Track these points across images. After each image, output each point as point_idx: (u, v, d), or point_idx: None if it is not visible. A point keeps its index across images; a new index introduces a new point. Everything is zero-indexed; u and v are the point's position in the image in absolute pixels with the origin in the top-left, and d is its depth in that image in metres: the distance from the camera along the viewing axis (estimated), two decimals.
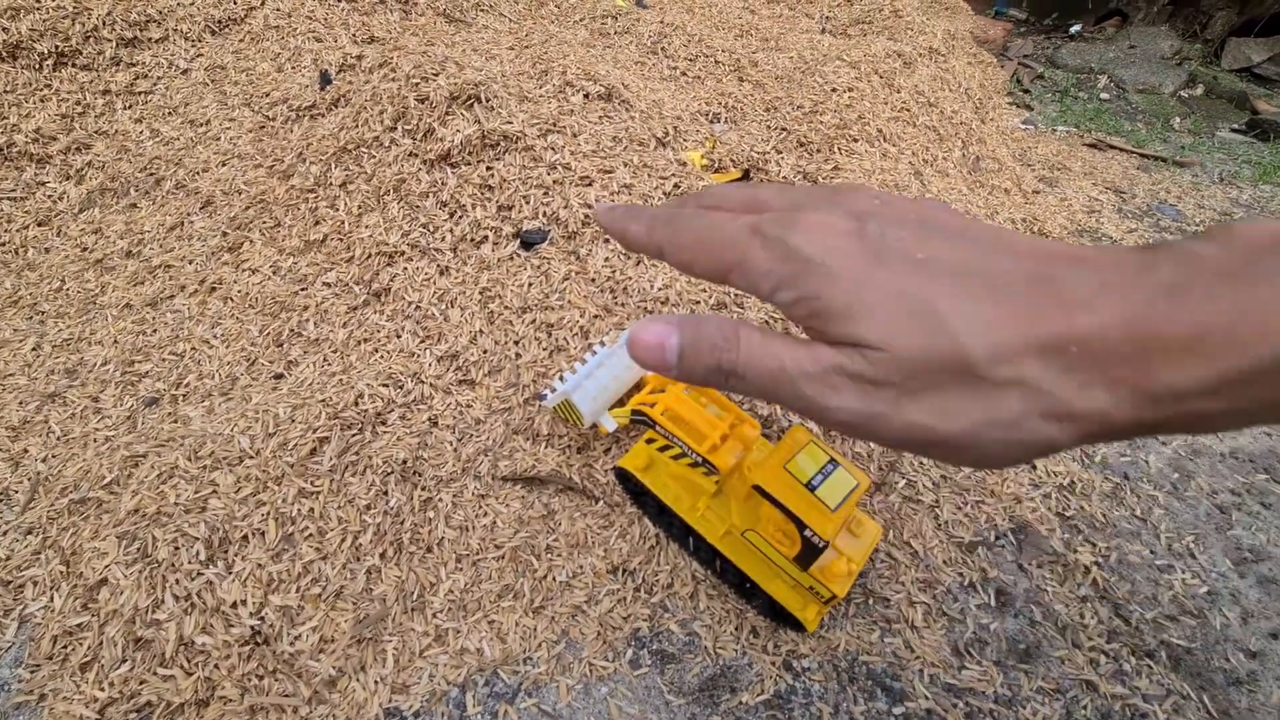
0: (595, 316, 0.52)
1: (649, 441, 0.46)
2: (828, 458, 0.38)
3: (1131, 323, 0.18)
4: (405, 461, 0.47)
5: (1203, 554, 0.51)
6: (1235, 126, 1.35)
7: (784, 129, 0.77)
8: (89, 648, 0.38)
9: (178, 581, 0.40)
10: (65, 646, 0.38)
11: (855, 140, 0.74)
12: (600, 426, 0.47)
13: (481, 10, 0.92)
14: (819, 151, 0.74)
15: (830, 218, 0.22)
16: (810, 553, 0.37)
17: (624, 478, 0.47)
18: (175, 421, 0.50)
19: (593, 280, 0.53)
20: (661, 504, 0.44)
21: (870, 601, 0.46)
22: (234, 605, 0.40)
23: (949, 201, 0.77)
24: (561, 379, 0.47)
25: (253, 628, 0.39)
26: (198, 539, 0.41)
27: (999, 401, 0.20)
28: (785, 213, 0.23)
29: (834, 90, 0.81)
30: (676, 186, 0.58)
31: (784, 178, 0.72)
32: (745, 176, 0.75)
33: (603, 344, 0.50)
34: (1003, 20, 1.75)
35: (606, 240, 0.55)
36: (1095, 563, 0.49)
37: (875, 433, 0.21)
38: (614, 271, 0.54)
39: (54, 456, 0.49)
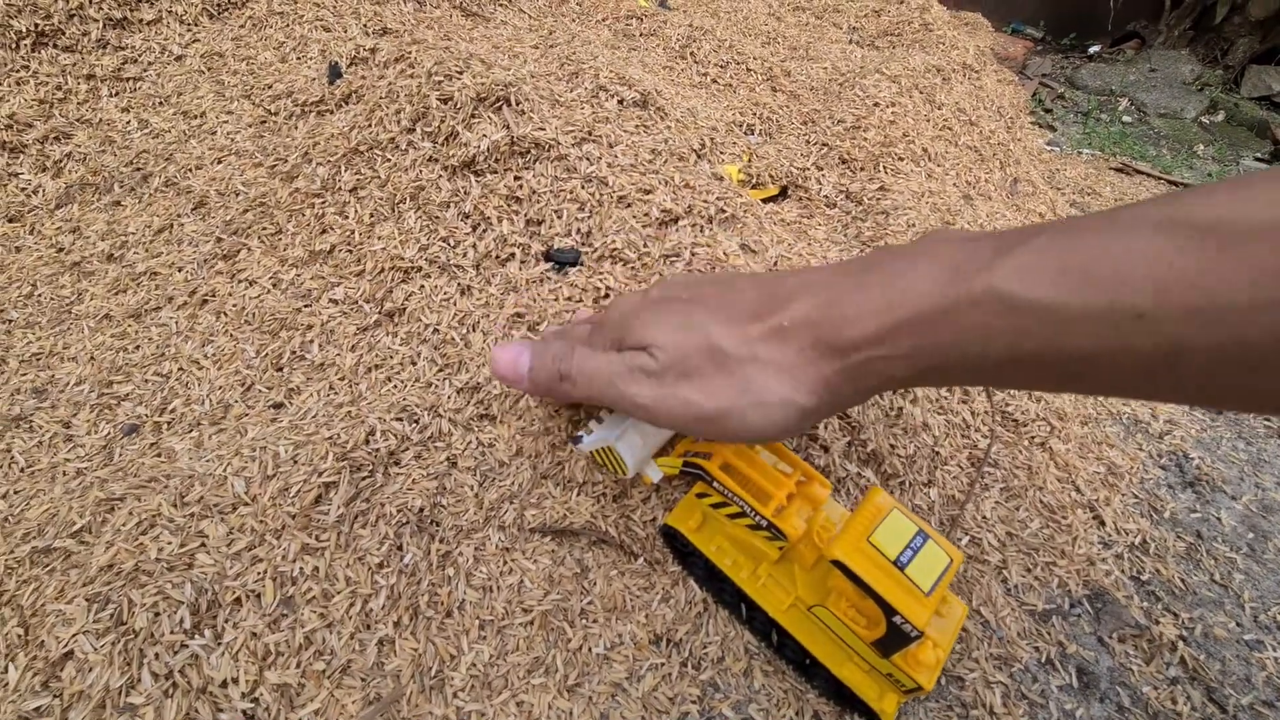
0: None
1: (700, 496, 0.41)
2: (915, 528, 0.33)
3: (822, 305, 0.28)
4: (422, 510, 0.42)
5: None
6: (1259, 155, 1.32)
7: (824, 144, 0.72)
8: None
9: (157, 656, 0.34)
10: None
11: (901, 159, 0.70)
12: (644, 476, 0.42)
13: (500, 5, 0.86)
14: (863, 170, 0.70)
15: (630, 297, 0.36)
16: (898, 640, 0.32)
17: (670, 537, 0.42)
18: (158, 455, 0.44)
19: None
20: (715, 569, 0.39)
21: (944, 681, 0.41)
22: (223, 684, 0.34)
23: (994, 227, 0.72)
24: (599, 419, 0.42)
25: (245, 712, 0.34)
26: (182, 603, 0.35)
27: (744, 375, 0.29)
28: (609, 305, 0.39)
29: (876, 105, 0.76)
30: (722, 211, 0.53)
31: (825, 196, 0.68)
32: (783, 193, 0.70)
33: None
34: (1021, 38, 1.73)
35: (643, 279, 0.50)
36: (1180, 636, 0.45)
37: (665, 411, 0.31)
38: None
39: (16, 493, 0.43)
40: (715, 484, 0.38)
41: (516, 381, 0.38)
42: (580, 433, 0.44)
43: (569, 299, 0.48)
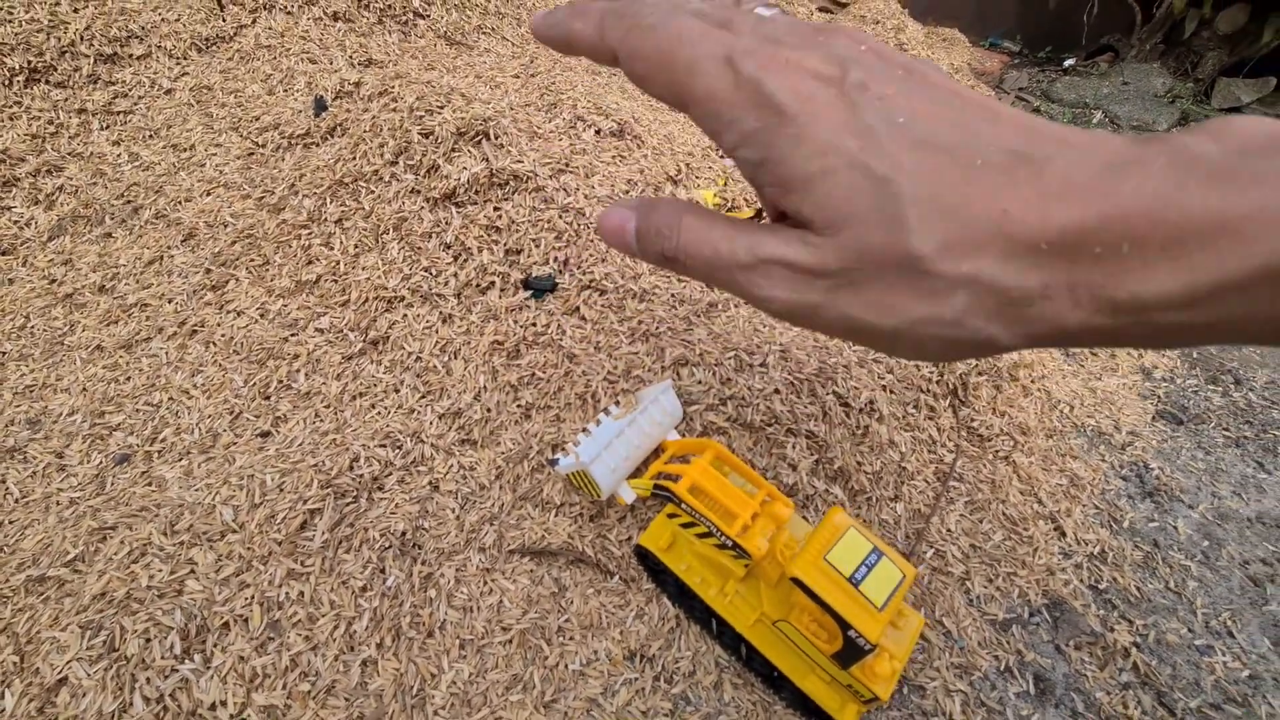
0: (606, 379, 0.49)
1: (670, 516, 0.43)
2: (870, 546, 0.35)
3: (1109, 221, 0.17)
4: (404, 533, 0.43)
5: (1241, 632, 0.49)
6: None
7: None
8: None
9: (148, 680, 0.35)
10: None
11: None
12: (618, 498, 0.44)
13: (484, 33, 0.89)
14: None
15: (812, 61, 0.20)
16: (853, 653, 0.34)
17: (643, 556, 0.44)
18: (149, 484, 0.46)
19: (606, 329, 0.50)
20: (685, 586, 0.41)
21: (905, 690, 0.43)
22: (212, 707, 0.35)
23: None
24: (576, 443, 0.44)
25: None
26: (172, 629, 0.37)
27: (944, 299, 0.19)
28: (764, 44, 0.21)
29: None
30: None
31: None
32: (758, 216, 0.72)
33: (617, 403, 0.47)
34: (998, 52, 1.77)
35: (618, 307, 0.52)
36: (1134, 643, 0.47)
37: (808, 322, 0.21)
38: (631, 329, 0.51)
39: (10, 522, 0.44)
40: (683, 505, 0.40)
41: (627, 252, 0.26)
42: (557, 455, 0.46)
43: (545, 326, 0.50)
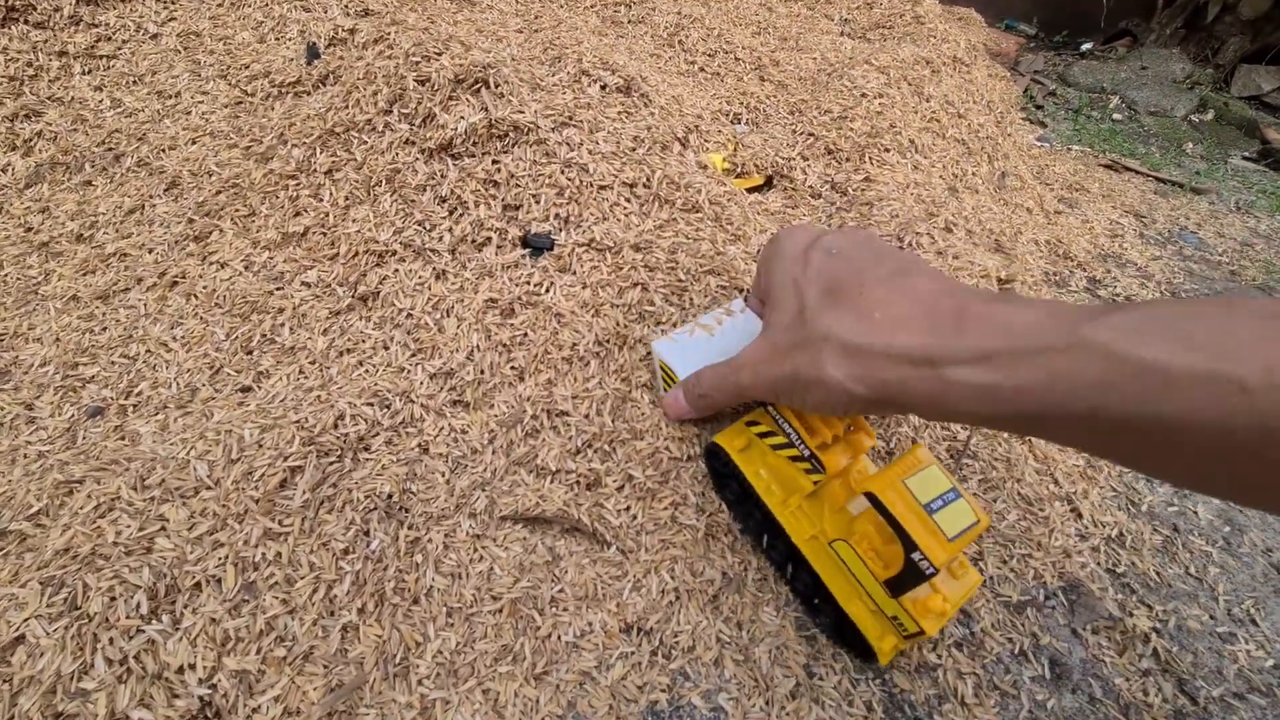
0: (605, 338, 0.46)
1: (749, 424, 0.41)
2: (950, 485, 0.35)
3: (923, 312, 0.29)
4: (390, 495, 0.41)
5: (1265, 620, 0.47)
6: (1247, 155, 1.33)
7: (811, 134, 0.72)
8: None
9: (112, 641, 0.33)
10: None
11: (887, 150, 0.69)
12: None
13: None
14: (848, 160, 0.69)
15: (807, 236, 0.36)
16: (911, 578, 0.33)
17: (714, 454, 0.43)
18: (122, 439, 0.43)
19: (605, 297, 0.47)
20: (749, 491, 0.40)
21: (916, 669, 0.41)
22: (180, 670, 0.33)
23: (980, 220, 0.72)
24: (672, 339, 0.44)
25: (201, 698, 0.33)
26: (139, 587, 0.34)
27: (814, 349, 0.31)
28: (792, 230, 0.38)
29: (864, 96, 0.76)
30: (708, 201, 0.52)
31: (810, 186, 0.67)
32: (768, 183, 0.70)
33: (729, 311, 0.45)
34: (1014, 34, 1.72)
35: (610, 265, 0.49)
36: (1154, 629, 0.45)
37: (773, 372, 0.34)
38: (622, 296, 0.48)
39: None
40: (770, 410, 0.39)
41: (686, 415, 0.44)
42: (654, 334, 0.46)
43: (538, 284, 0.47)
